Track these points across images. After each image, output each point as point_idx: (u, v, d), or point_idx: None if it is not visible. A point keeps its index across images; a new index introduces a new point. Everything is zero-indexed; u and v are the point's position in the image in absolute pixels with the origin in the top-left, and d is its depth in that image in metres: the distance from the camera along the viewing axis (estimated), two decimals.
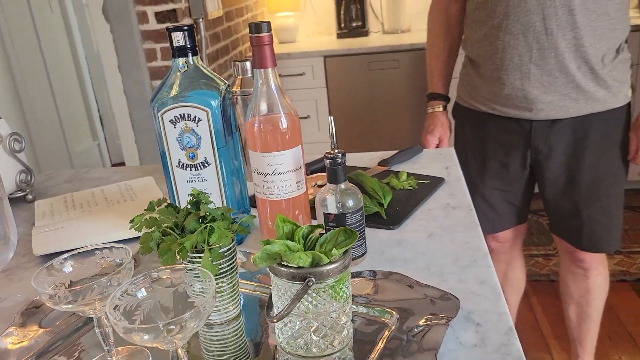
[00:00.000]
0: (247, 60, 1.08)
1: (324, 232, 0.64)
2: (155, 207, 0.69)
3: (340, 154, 0.77)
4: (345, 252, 0.61)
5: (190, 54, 0.82)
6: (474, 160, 1.49)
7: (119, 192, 1.13)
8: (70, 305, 0.57)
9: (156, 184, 1.16)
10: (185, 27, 0.81)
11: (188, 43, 0.82)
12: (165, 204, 0.71)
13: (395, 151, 1.22)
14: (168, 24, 2.17)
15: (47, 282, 0.59)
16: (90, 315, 0.60)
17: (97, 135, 4.15)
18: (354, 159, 1.22)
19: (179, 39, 0.81)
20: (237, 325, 0.71)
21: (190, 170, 0.85)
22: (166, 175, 0.87)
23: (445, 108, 1.55)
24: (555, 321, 2.11)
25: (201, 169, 0.84)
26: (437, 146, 1.52)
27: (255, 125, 0.80)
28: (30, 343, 0.68)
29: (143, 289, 0.55)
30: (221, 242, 0.63)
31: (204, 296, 0.55)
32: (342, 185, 0.78)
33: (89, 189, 1.16)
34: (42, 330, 0.70)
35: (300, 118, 3.05)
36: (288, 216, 0.79)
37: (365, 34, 3.30)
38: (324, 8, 3.46)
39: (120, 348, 0.65)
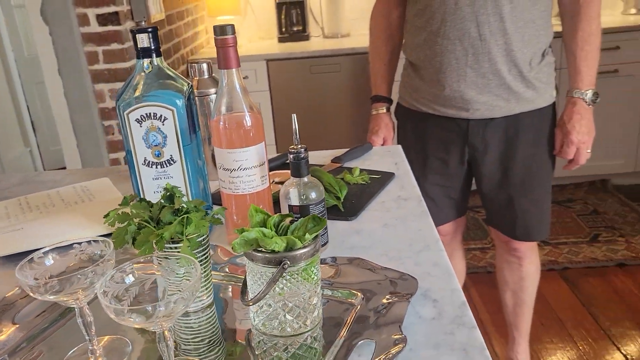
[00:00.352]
0: (203, 61, 1.12)
1: (293, 219, 0.69)
2: (129, 202, 0.72)
3: (302, 149, 0.82)
4: (316, 237, 0.66)
5: (154, 55, 0.85)
6: (416, 158, 1.58)
7: (75, 194, 1.13)
8: (54, 296, 0.59)
9: (113, 184, 1.17)
10: (150, 29, 0.84)
11: (152, 44, 0.84)
12: (137, 199, 0.73)
13: (346, 149, 1.28)
14: (110, 27, 2.16)
15: (30, 274, 0.61)
16: (72, 306, 0.62)
17: (29, 141, 4.00)
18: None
19: (143, 40, 0.83)
20: (210, 312, 0.74)
21: (156, 167, 0.87)
22: (132, 173, 0.89)
23: (388, 110, 1.63)
24: (492, 310, 2.24)
25: (167, 166, 0.87)
26: (382, 145, 1.60)
27: (221, 123, 0.84)
28: (5, 338, 0.68)
29: (131, 275, 0.58)
30: (198, 232, 0.66)
31: (188, 280, 0.59)
32: (305, 179, 0.83)
33: (44, 191, 1.16)
34: (15, 326, 0.71)
35: None
36: None
37: (306, 38, 3.37)
38: (265, 13, 3.50)
39: (100, 337, 0.68)
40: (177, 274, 0.60)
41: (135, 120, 0.85)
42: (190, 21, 3.15)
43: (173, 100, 0.84)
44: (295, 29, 3.37)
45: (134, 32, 0.84)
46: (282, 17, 3.35)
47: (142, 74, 0.86)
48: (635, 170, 3.20)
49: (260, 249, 0.64)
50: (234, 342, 0.70)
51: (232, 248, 0.62)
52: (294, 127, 0.82)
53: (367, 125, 1.64)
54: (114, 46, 2.18)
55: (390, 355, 0.60)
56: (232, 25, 0.81)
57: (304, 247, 0.64)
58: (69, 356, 0.67)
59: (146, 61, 0.85)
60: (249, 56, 3.04)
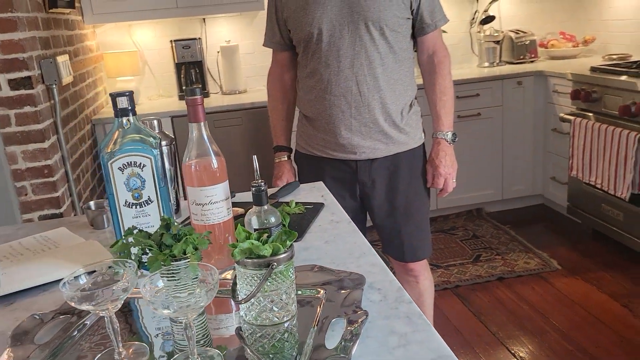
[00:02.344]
0: (154, 118, 1.29)
1: (269, 235, 0.89)
2: (132, 233, 0.88)
3: (263, 183, 1.02)
4: (291, 245, 0.86)
5: (131, 113, 1.02)
6: None
7: (38, 243, 1.22)
8: (91, 306, 0.74)
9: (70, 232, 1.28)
10: (127, 93, 1.01)
11: (129, 105, 1.01)
12: (136, 230, 0.89)
13: (277, 188, 1.50)
14: (23, 91, 2.22)
15: (68, 290, 0.75)
16: (103, 314, 0.76)
17: None
18: (243, 197, 1.47)
19: (123, 102, 1.00)
20: (203, 318, 0.90)
21: (136, 208, 1.03)
22: (113, 214, 1.03)
23: (289, 157, 1.90)
24: None
25: (145, 206, 1.03)
26: None
27: (193, 166, 1.02)
28: (33, 355, 0.80)
29: (161, 281, 0.75)
30: (202, 246, 0.84)
31: (205, 284, 0.76)
32: (265, 207, 1.03)
33: (5, 244, 1.24)
34: (37, 346, 0.82)
35: None
36: (221, 237, 1.02)
37: (206, 95, 3.57)
38: (164, 72, 3.67)
39: (124, 343, 0.82)
40: (192, 279, 0.77)
41: (118, 168, 1.00)
42: (92, 82, 3.23)
43: (150, 150, 1.02)
44: (194, 86, 3.55)
45: (113, 96, 1.01)
46: (182, 76, 3.54)
47: (120, 130, 1.02)
48: (503, 198, 3.72)
49: (249, 257, 0.83)
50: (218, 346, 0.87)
51: (232, 256, 0.81)
52: (255, 166, 1.03)
53: (272, 171, 1.89)
54: (27, 109, 2.24)
55: (357, 325, 0.81)
56: (200, 87, 1.01)
57: (285, 251, 0.84)
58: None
59: (125, 119, 1.02)
60: (153, 114, 3.17)
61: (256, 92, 3.56)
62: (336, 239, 1.16)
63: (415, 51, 1.81)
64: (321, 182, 1.58)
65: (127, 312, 0.95)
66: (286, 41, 1.81)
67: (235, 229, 0.82)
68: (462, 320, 2.59)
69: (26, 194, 2.33)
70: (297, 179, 1.87)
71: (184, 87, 3.53)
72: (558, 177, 3.51)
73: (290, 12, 1.72)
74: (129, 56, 3.43)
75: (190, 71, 3.53)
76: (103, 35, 3.55)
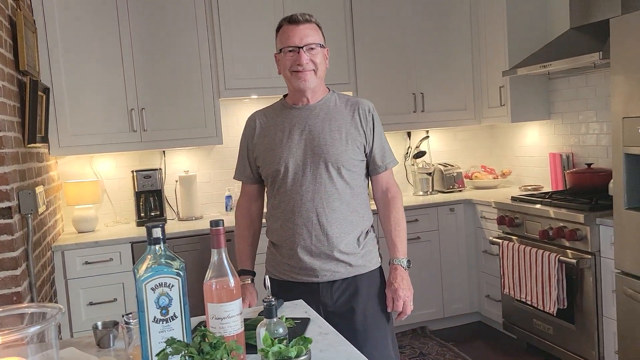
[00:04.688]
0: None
1: (287, 342, 1.08)
2: (173, 344, 1.04)
3: (273, 299, 1.22)
4: (308, 349, 1.06)
5: (162, 242, 1.21)
6: None
7: None
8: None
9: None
10: (160, 225, 1.21)
11: (162, 235, 1.21)
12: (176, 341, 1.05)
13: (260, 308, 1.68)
14: (2, 220, 2.33)
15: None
16: None
17: None
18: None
19: (157, 232, 1.20)
20: None
21: (162, 323, 1.19)
22: (142, 329, 1.18)
23: (252, 280, 2.03)
24: None
25: (171, 321, 1.19)
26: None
27: (213, 285, 1.21)
28: None
29: None
30: (238, 351, 1.01)
31: None
32: (275, 319, 1.22)
33: None
34: None
35: (107, 302, 3.22)
36: None
37: (163, 221, 3.72)
38: (122, 200, 3.83)
39: None
40: None
41: (151, 288, 1.18)
42: (52, 210, 3.34)
43: (178, 272, 1.20)
44: (153, 213, 3.72)
45: (149, 227, 1.20)
46: (141, 203, 3.70)
47: (152, 255, 1.21)
48: (444, 316, 3.97)
49: (278, 358, 1.01)
50: None
51: (265, 358, 0.99)
52: (267, 284, 1.23)
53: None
54: (3, 237, 2.33)
55: None
56: (222, 220, 1.23)
57: (306, 353, 1.03)
58: None
59: (157, 246, 1.21)
60: (113, 240, 3.29)
61: (211, 218, 3.76)
62: (329, 348, 1.34)
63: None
64: (301, 300, 1.76)
65: None
66: (255, 176, 2.04)
67: None
68: None
69: None
70: (257, 301, 2.00)
71: (141, 214, 3.69)
72: (492, 295, 3.83)
73: (260, 152, 1.97)
74: (90, 185, 3.58)
75: (150, 199, 3.71)
76: (64, 166, 3.71)
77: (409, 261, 1.99)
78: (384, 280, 2.02)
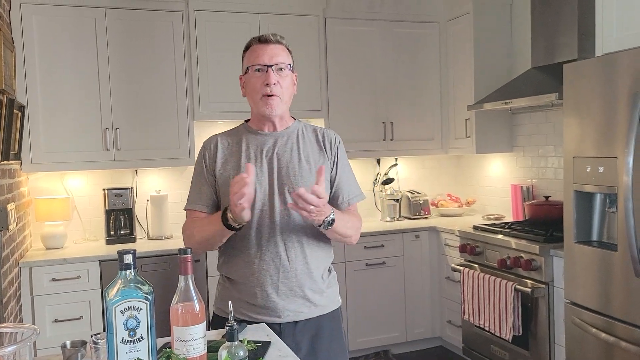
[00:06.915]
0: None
1: None
2: None
3: (235, 324, 1.30)
4: None
5: (132, 267, 1.29)
6: None
7: None
8: None
9: None
10: (131, 251, 1.29)
11: (132, 261, 1.29)
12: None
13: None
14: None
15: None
16: None
17: None
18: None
19: (129, 258, 1.28)
20: None
21: (130, 344, 1.26)
22: (110, 349, 1.25)
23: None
24: None
25: (137, 343, 1.26)
26: None
27: (179, 309, 1.29)
28: None
29: None
30: None
31: None
32: (236, 342, 1.30)
33: None
34: None
35: (73, 320, 3.23)
36: None
37: (133, 240, 3.76)
38: (92, 217, 3.85)
39: None
40: None
41: (120, 311, 1.25)
42: (21, 226, 3.35)
43: (146, 296, 1.28)
44: (122, 232, 3.75)
45: (120, 253, 1.28)
46: (111, 221, 3.74)
47: (122, 280, 1.28)
48: (407, 340, 4.07)
49: None
50: None
51: None
52: (230, 309, 1.31)
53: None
54: None
55: None
56: (190, 248, 1.32)
57: None
58: None
59: (128, 271, 1.28)
60: (81, 257, 3.31)
61: (181, 238, 3.80)
62: None
63: None
64: (264, 323, 1.81)
65: None
66: (212, 201, 1.86)
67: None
68: None
69: None
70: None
71: (111, 232, 3.72)
72: (453, 320, 3.95)
73: (223, 179, 1.81)
74: (60, 202, 3.60)
75: (120, 217, 3.75)
76: (35, 182, 3.73)
77: (333, 220, 1.72)
78: (341, 320, 1.97)
